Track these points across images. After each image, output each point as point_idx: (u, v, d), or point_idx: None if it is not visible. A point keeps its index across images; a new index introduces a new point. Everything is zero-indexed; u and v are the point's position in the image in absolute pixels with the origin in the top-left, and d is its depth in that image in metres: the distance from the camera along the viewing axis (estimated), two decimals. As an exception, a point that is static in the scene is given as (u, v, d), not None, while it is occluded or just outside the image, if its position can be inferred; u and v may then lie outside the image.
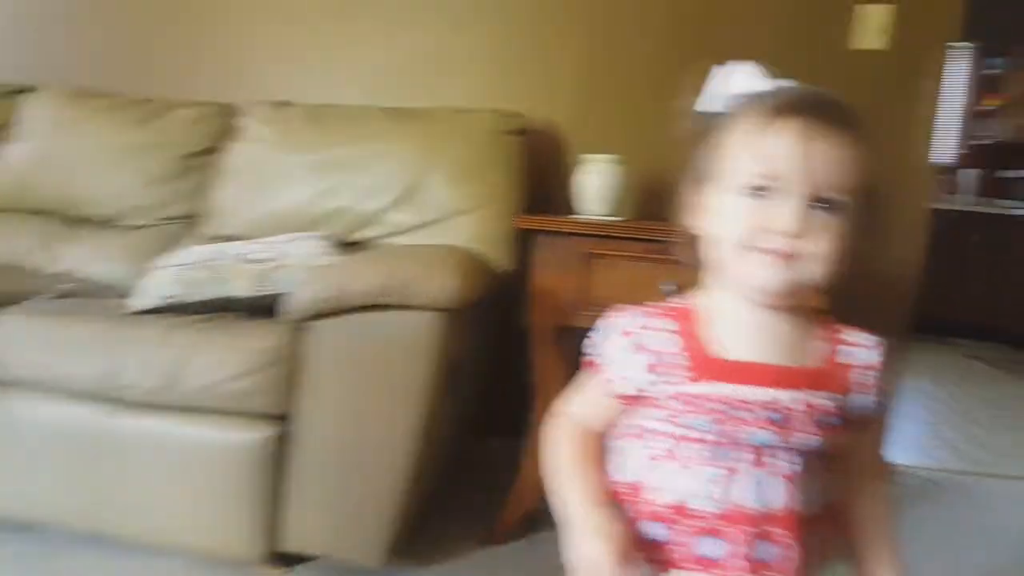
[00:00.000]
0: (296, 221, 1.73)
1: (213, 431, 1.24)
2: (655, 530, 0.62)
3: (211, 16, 2.17)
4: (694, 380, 0.61)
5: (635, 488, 0.64)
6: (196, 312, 1.35)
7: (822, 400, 0.61)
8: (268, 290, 1.36)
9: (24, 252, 1.83)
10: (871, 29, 1.88)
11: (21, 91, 2.05)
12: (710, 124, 0.64)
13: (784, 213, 0.58)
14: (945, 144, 5.15)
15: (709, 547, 0.60)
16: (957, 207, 4.90)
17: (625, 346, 0.65)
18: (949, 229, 4.52)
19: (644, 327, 0.65)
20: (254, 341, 1.23)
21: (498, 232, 1.65)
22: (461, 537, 1.51)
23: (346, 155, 1.75)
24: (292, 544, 1.28)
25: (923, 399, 3.03)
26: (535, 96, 1.97)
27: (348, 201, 1.73)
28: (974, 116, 5.24)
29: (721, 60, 1.87)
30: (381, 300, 1.17)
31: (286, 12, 2.12)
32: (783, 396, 0.60)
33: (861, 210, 0.61)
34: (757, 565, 0.59)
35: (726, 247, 0.61)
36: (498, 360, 1.75)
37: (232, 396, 1.21)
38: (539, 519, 1.46)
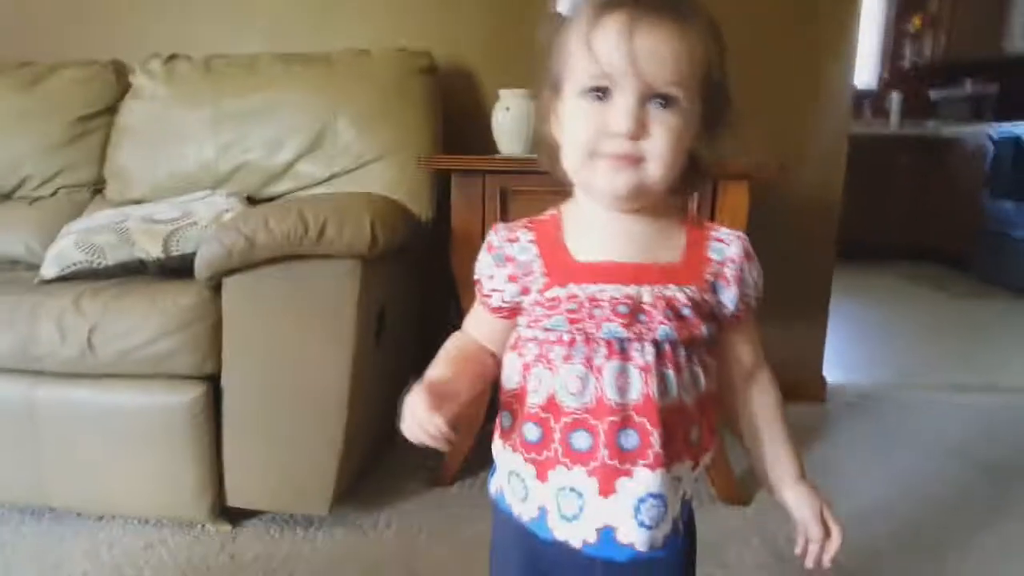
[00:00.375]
0: (202, 180, 1.73)
1: (140, 395, 1.28)
2: (533, 432, 0.67)
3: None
4: (549, 285, 0.65)
5: (517, 395, 0.69)
6: (108, 277, 1.36)
7: (676, 293, 0.63)
8: (178, 250, 1.37)
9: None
10: None
11: None
12: (558, 27, 0.64)
13: (618, 113, 0.59)
14: (870, 67, 5.33)
15: (578, 440, 0.64)
16: (885, 130, 5.11)
17: (491, 261, 0.69)
18: (878, 152, 4.72)
19: (507, 240, 0.69)
20: (168, 302, 1.25)
21: (416, 177, 1.68)
22: (409, 480, 1.59)
23: (246, 107, 1.75)
24: (237, 499, 1.34)
25: (856, 319, 3.21)
26: (443, 32, 1.97)
27: (254, 155, 1.74)
28: (899, 37, 5.42)
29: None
30: (295, 250, 1.20)
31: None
32: (634, 291, 0.63)
33: (705, 104, 0.62)
34: (621, 455, 0.63)
35: (574, 154, 0.63)
36: (435, 307, 1.79)
37: (153, 359, 1.25)
38: (487, 459, 1.54)
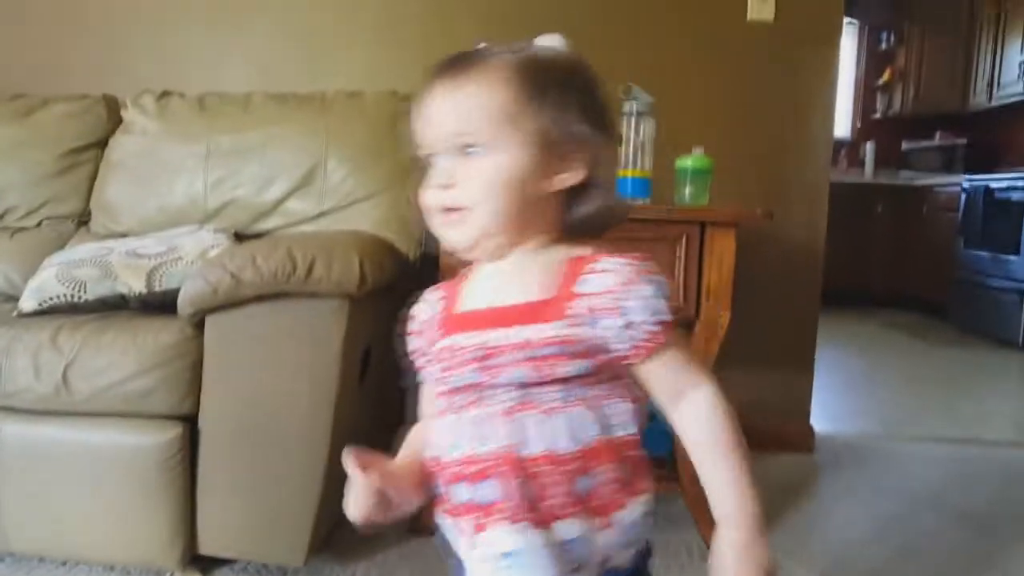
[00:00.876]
0: (190, 215, 1.70)
1: (114, 435, 1.22)
2: (434, 486, 0.67)
3: (84, 5, 2.10)
4: (439, 337, 0.66)
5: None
6: (90, 311, 1.32)
7: (534, 332, 0.61)
8: (161, 286, 1.34)
9: None
10: (764, 1, 1.99)
11: None
12: None
13: (432, 173, 0.64)
14: (843, 118, 5.46)
15: (458, 492, 0.63)
16: (861, 179, 5.21)
17: (412, 324, 0.72)
18: (855, 200, 4.81)
19: (424, 301, 0.71)
20: (149, 338, 1.21)
21: (405, 216, 1.66)
22: (388, 530, 1.52)
23: (238, 144, 1.74)
24: (209, 547, 1.27)
25: (840, 367, 3.22)
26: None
27: (244, 191, 1.72)
28: (870, 90, 5.58)
29: (621, 33, 1.90)
30: (282, 288, 1.17)
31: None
32: (491, 335, 0.62)
33: (538, 144, 0.62)
34: (482, 508, 0.61)
35: (426, 217, 0.66)
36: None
37: (130, 397, 1.20)
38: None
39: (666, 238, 1.47)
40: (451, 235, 0.64)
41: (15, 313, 1.36)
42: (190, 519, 1.24)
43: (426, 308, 0.70)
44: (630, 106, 1.57)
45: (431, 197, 0.64)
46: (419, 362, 0.70)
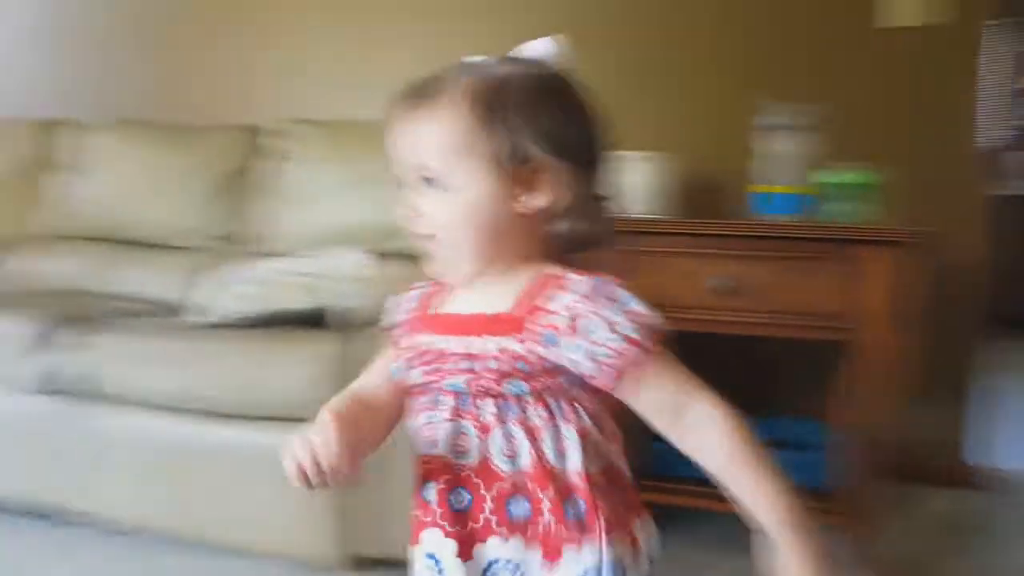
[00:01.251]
0: (339, 236, 1.86)
1: (288, 439, 1.36)
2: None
3: (234, 42, 2.38)
4: (408, 333, 0.68)
5: None
6: (257, 325, 1.49)
7: (487, 344, 0.61)
8: (322, 302, 1.49)
9: (82, 276, 2.03)
10: (905, 5, 1.92)
11: (56, 124, 2.26)
12: None
13: (402, 200, 0.65)
14: (1003, 126, 5.10)
15: (426, 491, 0.65)
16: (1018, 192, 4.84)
17: (399, 305, 0.72)
18: (1018, 217, 4.47)
19: (412, 289, 0.72)
20: (322, 350, 1.36)
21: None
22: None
23: (379, 168, 1.86)
24: (371, 548, 1.39)
25: (1003, 399, 3.01)
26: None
27: (384, 215, 1.84)
28: (1020, 96, 5.17)
29: (760, 43, 1.87)
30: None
31: (306, 32, 2.32)
32: (447, 340, 0.63)
33: (500, 171, 0.62)
34: (425, 507, 0.64)
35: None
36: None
37: (305, 404, 1.32)
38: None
39: (818, 256, 1.43)
40: (429, 267, 0.66)
41: (199, 326, 1.55)
42: (354, 521, 1.37)
43: (412, 297, 0.71)
44: (771, 120, 1.58)
45: (404, 223, 0.65)
46: (394, 344, 0.71)
